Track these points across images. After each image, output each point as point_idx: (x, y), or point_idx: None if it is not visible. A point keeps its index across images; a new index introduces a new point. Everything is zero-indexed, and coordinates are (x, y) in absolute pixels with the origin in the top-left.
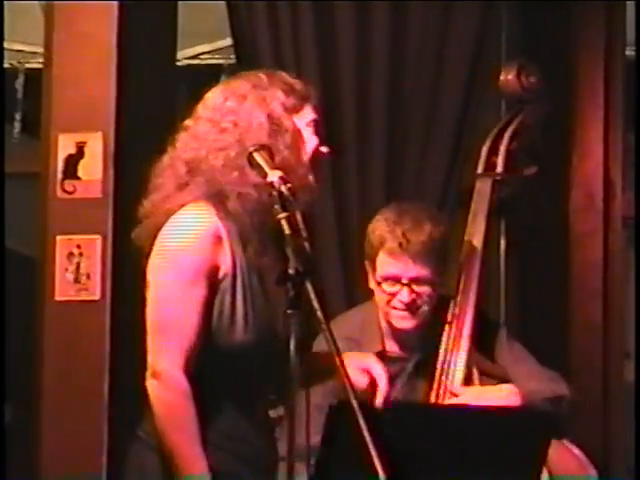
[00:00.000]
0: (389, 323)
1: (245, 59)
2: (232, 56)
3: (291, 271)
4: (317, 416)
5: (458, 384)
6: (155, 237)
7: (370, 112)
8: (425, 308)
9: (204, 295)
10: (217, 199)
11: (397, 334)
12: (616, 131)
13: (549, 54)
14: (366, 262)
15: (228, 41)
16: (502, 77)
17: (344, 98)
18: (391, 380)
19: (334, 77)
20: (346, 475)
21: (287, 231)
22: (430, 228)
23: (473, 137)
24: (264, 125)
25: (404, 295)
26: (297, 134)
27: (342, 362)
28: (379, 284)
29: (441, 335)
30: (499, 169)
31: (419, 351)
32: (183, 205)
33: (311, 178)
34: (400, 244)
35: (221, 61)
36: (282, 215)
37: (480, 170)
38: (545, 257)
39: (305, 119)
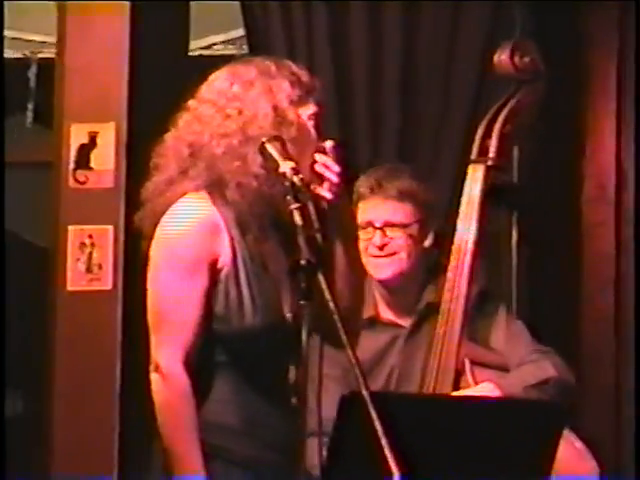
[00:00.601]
0: (373, 281)
1: (258, 49)
2: (245, 46)
3: (303, 262)
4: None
5: (448, 384)
6: (156, 224)
7: (382, 106)
8: (402, 255)
9: (203, 286)
10: (216, 187)
11: (387, 296)
12: (628, 124)
13: (562, 50)
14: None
15: (241, 31)
16: (495, 57)
17: (356, 88)
18: (386, 348)
19: (346, 66)
20: (358, 466)
21: (299, 222)
22: (407, 179)
23: None
24: (269, 115)
25: (376, 238)
26: (302, 127)
27: (354, 354)
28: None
29: (437, 303)
30: (491, 154)
31: (413, 317)
32: (184, 194)
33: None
34: (372, 189)
35: (234, 51)
36: (294, 206)
37: (474, 155)
38: (556, 248)
39: (308, 112)
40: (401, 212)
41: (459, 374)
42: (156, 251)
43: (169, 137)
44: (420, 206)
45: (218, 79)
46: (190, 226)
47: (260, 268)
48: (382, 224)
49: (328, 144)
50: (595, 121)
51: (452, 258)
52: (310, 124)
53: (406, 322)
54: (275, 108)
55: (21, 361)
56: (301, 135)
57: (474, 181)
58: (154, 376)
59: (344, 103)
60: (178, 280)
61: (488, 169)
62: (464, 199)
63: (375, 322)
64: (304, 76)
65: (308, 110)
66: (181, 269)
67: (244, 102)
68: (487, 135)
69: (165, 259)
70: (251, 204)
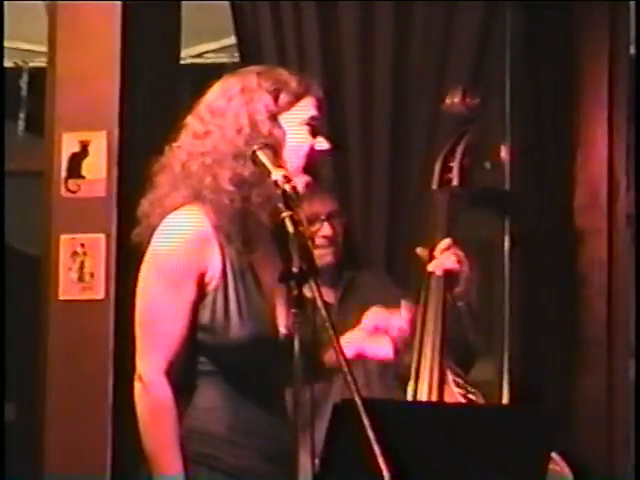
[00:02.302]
0: None
1: (249, 57)
2: (236, 55)
3: (295, 270)
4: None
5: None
6: (151, 239)
7: (374, 111)
8: (340, 242)
9: (190, 298)
10: (204, 201)
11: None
12: (620, 130)
13: (553, 54)
14: None
15: (232, 40)
16: (448, 100)
17: (347, 96)
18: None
19: (337, 74)
20: (350, 474)
21: (291, 230)
22: (325, 170)
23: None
24: (244, 130)
25: (327, 229)
26: (278, 138)
27: (347, 361)
28: None
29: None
30: (455, 183)
31: (337, 293)
32: (176, 207)
33: (306, 178)
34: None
35: (225, 60)
36: (286, 214)
37: (435, 187)
38: (549, 255)
39: (298, 117)
40: (336, 203)
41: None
42: (145, 264)
43: (165, 155)
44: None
45: (210, 93)
46: (180, 239)
47: (251, 281)
48: (327, 216)
49: (317, 145)
50: (587, 129)
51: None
52: (304, 130)
53: (331, 297)
54: (251, 121)
55: (13, 370)
56: (280, 144)
57: (440, 208)
58: (137, 385)
59: (334, 109)
60: (164, 292)
61: (451, 197)
62: (432, 226)
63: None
64: (293, 81)
65: (297, 116)
66: (167, 282)
67: (224, 118)
68: (446, 169)
69: (152, 272)
70: (229, 219)
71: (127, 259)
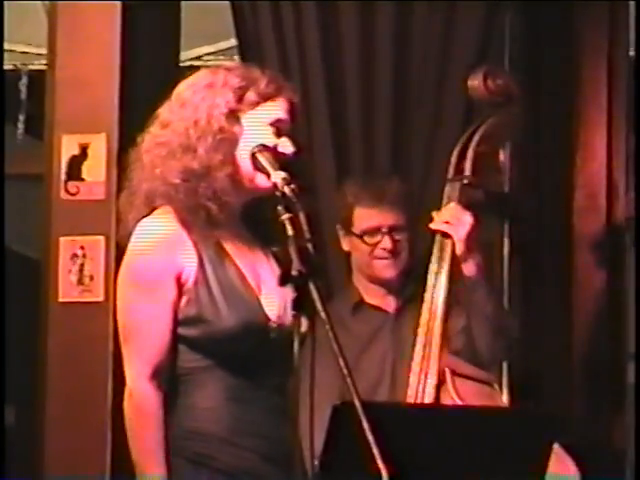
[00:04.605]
0: (371, 275)
1: (249, 60)
2: (236, 57)
3: (294, 272)
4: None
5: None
6: (127, 242)
7: (374, 112)
8: (404, 255)
9: (168, 300)
10: (158, 197)
11: (375, 288)
12: (619, 133)
13: (553, 55)
14: (338, 226)
15: (232, 42)
16: (469, 83)
17: (349, 98)
18: (375, 333)
19: (338, 75)
20: (350, 476)
21: (290, 232)
22: (398, 183)
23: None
24: (200, 124)
25: (387, 242)
26: (232, 135)
27: (346, 363)
28: (360, 237)
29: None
30: (467, 172)
31: (398, 301)
32: (150, 210)
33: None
34: (373, 195)
35: (225, 62)
36: (285, 216)
37: (450, 175)
38: (548, 258)
39: (263, 118)
40: (403, 216)
41: (440, 383)
42: (122, 269)
43: (137, 148)
44: (412, 208)
45: (181, 83)
46: (153, 244)
47: (231, 268)
48: (388, 228)
49: (280, 147)
50: (586, 131)
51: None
52: (269, 131)
53: (390, 306)
54: (208, 116)
55: (12, 373)
56: (223, 145)
57: (451, 198)
58: (125, 391)
59: (335, 112)
60: (142, 297)
61: (463, 187)
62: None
63: (361, 307)
64: (263, 82)
65: (263, 115)
66: (144, 287)
67: (185, 109)
68: (462, 156)
69: (128, 277)
70: (183, 212)
71: None
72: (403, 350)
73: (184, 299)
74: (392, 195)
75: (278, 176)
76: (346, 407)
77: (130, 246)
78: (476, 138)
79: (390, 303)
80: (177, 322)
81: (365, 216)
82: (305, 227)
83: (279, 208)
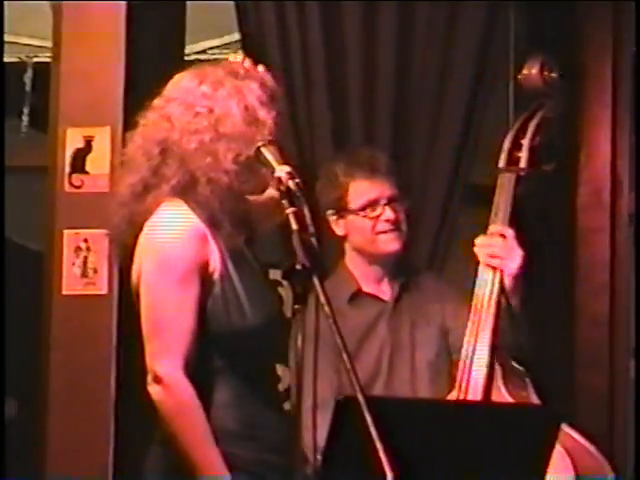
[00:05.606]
0: (374, 254)
1: (253, 54)
2: (240, 51)
3: (298, 266)
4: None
5: (480, 381)
6: (136, 235)
7: (376, 110)
8: (404, 227)
9: (197, 293)
10: (189, 189)
11: (368, 270)
12: (623, 130)
13: (557, 54)
14: (329, 212)
15: (236, 36)
16: (525, 71)
17: (350, 91)
18: (373, 322)
19: (341, 70)
20: (353, 471)
21: (294, 226)
22: (388, 157)
23: (479, 136)
24: (240, 114)
25: (389, 213)
26: (274, 128)
27: (349, 358)
28: (359, 214)
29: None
30: (523, 164)
31: (394, 290)
32: (160, 202)
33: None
34: (370, 167)
35: (229, 56)
36: (289, 210)
37: (502, 165)
38: (552, 254)
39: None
40: (396, 187)
41: (490, 379)
42: (148, 262)
43: (136, 136)
44: (402, 181)
45: (184, 78)
46: (178, 235)
47: (250, 265)
48: (388, 199)
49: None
50: (590, 127)
51: None
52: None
53: (386, 295)
54: (246, 108)
55: (15, 366)
56: (275, 136)
57: (504, 189)
58: (155, 388)
59: (338, 107)
60: (172, 290)
61: (519, 178)
62: (494, 207)
63: (358, 296)
64: (270, 81)
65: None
66: (174, 279)
67: (214, 100)
68: (516, 147)
69: (158, 270)
70: (222, 201)
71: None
72: (400, 339)
73: (213, 292)
74: (384, 166)
75: (282, 170)
76: (349, 401)
77: (152, 239)
78: (531, 128)
79: (386, 291)
80: (204, 314)
81: (363, 189)
82: (309, 221)
83: (283, 202)
